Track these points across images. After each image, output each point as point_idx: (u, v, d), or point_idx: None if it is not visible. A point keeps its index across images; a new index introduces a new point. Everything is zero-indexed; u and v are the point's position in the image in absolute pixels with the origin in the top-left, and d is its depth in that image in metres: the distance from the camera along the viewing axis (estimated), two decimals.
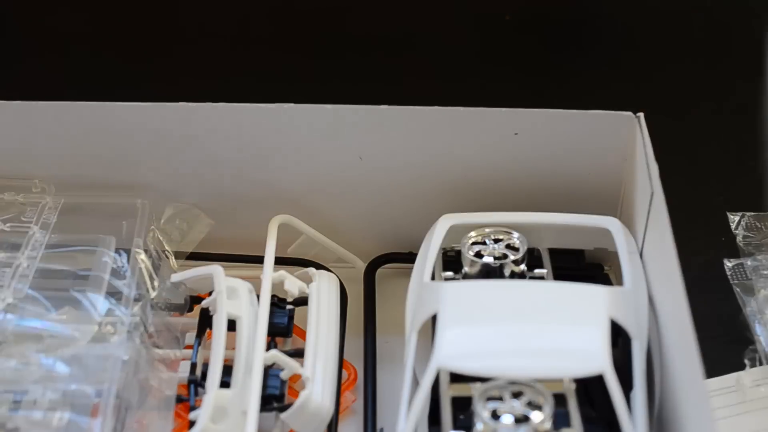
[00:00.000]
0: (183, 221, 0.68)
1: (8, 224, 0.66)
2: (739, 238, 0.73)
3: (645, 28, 0.93)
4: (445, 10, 0.93)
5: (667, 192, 0.61)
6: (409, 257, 0.68)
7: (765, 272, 0.70)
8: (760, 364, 0.67)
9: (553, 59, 0.92)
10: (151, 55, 0.93)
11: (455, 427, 0.56)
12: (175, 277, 0.65)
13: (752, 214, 0.74)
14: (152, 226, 0.67)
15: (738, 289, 0.70)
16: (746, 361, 0.67)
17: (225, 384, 0.59)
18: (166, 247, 0.67)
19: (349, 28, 0.94)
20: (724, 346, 0.68)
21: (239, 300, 0.62)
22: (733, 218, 0.74)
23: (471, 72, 0.90)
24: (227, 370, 0.59)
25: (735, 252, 0.73)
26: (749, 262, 0.71)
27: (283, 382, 0.61)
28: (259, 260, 0.66)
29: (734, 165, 0.83)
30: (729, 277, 0.71)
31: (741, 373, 0.66)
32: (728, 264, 0.71)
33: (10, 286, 0.61)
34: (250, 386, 0.59)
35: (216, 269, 0.63)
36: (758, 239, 0.72)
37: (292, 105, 0.67)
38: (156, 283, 0.64)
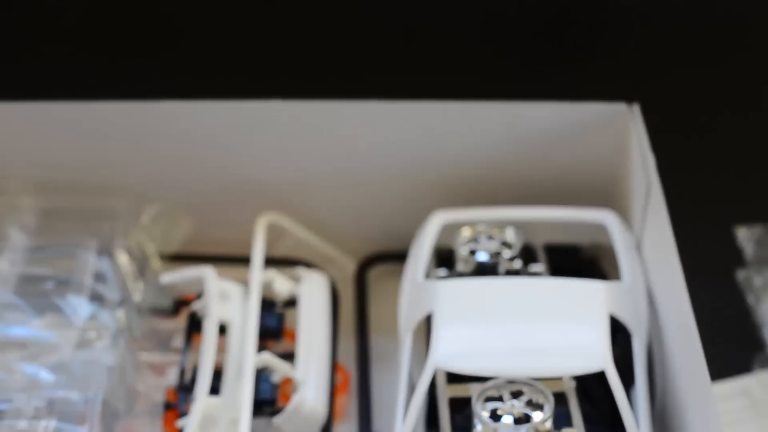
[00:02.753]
0: (165, 221, 0.67)
1: None
2: (748, 253, 0.73)
3: (649, 27, 0.93)
4: (447, 5, 0.93)
5: (674, 191, 0.61)
6: (401, 256, 0.68)
7: None
8: None
9: (554, 57, 0.92)
10: (134, 53, 0.92)
11: (454, 429, 0.55)
12: (165, 279, 0.64)
13: (762, 227, 0.74)
14: (134, 227, 0.66)
15: (750, 298, 0.70)
16: (756, 369, 0.67)
17: (214, 390, 0.58)
18: (150, 249, 0.66)
19: (344, 24, 0.93)
20: (734, 348, 0.68)
21: (231, 304, 0.62)
22: (742, 232, 0.74)
23: (472, 67, 0.90)
24: (216, 375, 0.59)
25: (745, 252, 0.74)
26: (759, 279, 0.71)
27: (274, 386, 0.60)
28: (247, 260, 0.65)
29: (743, 163, 0.82)
30: (742, 285, 0.71)
31: (750, 377, 0.66)
32: (740, 274, 0.71)
33: None
34: (239, 393, 0.58)
35: (207, 271, 0.63)
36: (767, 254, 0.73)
37: (278, 101, 0.66)
38: (140, 286, 0.63)
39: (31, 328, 0.58)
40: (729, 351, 0.67)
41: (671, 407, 0.58)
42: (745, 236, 0.73)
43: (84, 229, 0.64)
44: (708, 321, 0.54)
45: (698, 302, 0.54)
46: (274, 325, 0.64)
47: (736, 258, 0.73)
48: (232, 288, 0.63)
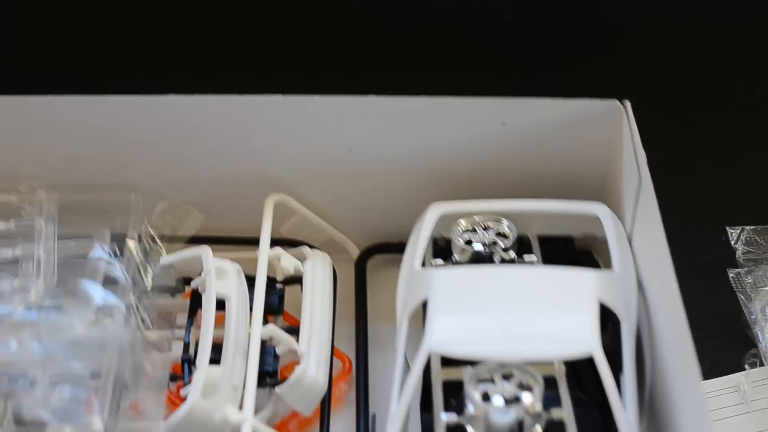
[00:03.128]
0: (175, 217, 0.69)
1: (12, 221, 0.67)
2: (738, 253, 0.73)
3: (646, 28, 0.94)
4: (444, 8, 0.94)
5: (668, 191, 0.62)
6: (400, 247, 0.69)
7: (764, 288, 0.71)
8: (761, 365, 0.68)
9: (552, 59, 0.93)
10: (141, 50, 0.93)
11: (447, 411, 0.57)
12: (164, 260, 0.66)
13: (751, 228, 0.74)
14: (144, 221, 0.68)
15: (741, 296, 0.71)
16: (746, 366, 0.68)
17: (215, 361, 0.60)
18: (158, 240, 0.68)
19: (344, 23, 0.94)
20: (725, 346, 0.69)
21: (228, 280, 0.63)
22: (733, 232, 0.74)
23: (467, 70, 0.91)
24: (216, 348, 0.60)
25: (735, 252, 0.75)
26: (749, 278, 0.72)
27: (276, 358, 0.62)
28: (251, 242, 0.67)
29: (735, 164, 0.83)
30: (732, 284, 0.72)
31: (741, 374, 0.67)
32: (731, 273, 0.72)
33: (38, 281, 0.62)
34: (239, 362, 0.60)
35: (204, 250, 0.65)
36: (758, 254, 0.73)
37: (280, 96, 0.67)
38: (149, 270, 0.65)
39: (48, 309, 0.60)
40: (720, 350, 0.69)
41: (660, 394, 0.59)
42: (735, 236, 0.74)
43: (98, 221, 0.66)
44: (699, 320, 0.55)
45: (690, 302, 0.55)
46: (275, 301, 0.65)
47: (727, 257, 0.74)
48: (229, 266, 0.64)
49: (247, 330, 0.62)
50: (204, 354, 0.59)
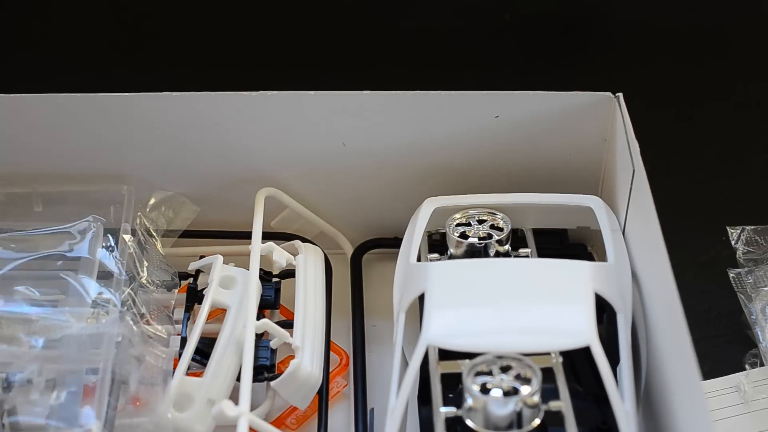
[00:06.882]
0: (169, 208, 0.70)
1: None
2: (739, 253, 0.74)
3: (648, 25, 0.94)
4: (445, 7, 0.95)
5: (668, 191, 0.62)
6: (395, 242, 0.70)
7: (765, 288, 0.71)
8: (762, 365, 0.68)
9: (552, 59, 0.94)
10: (137, 45, 0.94)
11: (446, 404, 0.57)
12: (193, 265, 0.67)
13: (752, 228, 0.75)
14: (138, 213, 0.68)
15: (741, 296, 0.72)
16: (747, 366, 0.68)
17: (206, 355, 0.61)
18: (153, 232, 0.68)
19: (346, 21, 0.95)
20: (725, 346, 0.70)
21: (234, 288, 0.64)
22: (733, 232, 0.75)
23: (469, 66, 0.92)
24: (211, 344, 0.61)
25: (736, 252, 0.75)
26: (749, 279, 0.72)
27: (272, 352, 0.62)
28: (245, 236, 0.68)
29: (735, 164, 0.84)
30: (733, 284, 0.72)
31: (741, 374, 0.68)
32: (731, 273, 0.73)
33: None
34: (222, 376, 0.60)
35: (216, 259, 0.65)
36: (758, 254, 0.74)
37: (275, 92, 0.68)
38: (145, 264, 0.65)
39: (43, 305, 0.60)
40: (720, 350, 0.69)
41: (660, 394, 0.59)
42: (736, 236, 0.75)
43: (92, 212, 0.67)
44: (699, 320, 0.56)
45: (690, 302, 0.55)
46: (271, 296, 0.66)
47: (727, 257, 0.74)
48: (240, 275, 0.65)
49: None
50: (183, 363, 0.60)
